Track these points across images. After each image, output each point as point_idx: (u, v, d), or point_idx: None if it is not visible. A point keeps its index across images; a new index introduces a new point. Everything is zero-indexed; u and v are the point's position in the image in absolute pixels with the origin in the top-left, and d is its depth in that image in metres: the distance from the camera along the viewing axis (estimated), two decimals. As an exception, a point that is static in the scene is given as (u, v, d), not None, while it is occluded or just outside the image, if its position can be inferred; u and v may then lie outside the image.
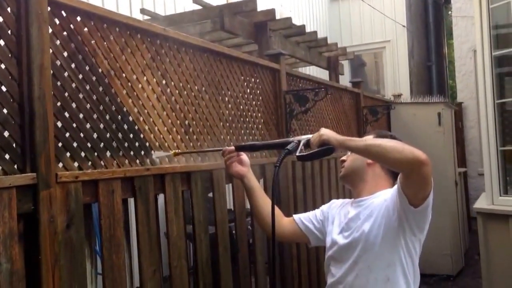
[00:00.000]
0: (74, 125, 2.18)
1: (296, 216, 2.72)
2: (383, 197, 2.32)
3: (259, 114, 3.80)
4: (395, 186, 2.23)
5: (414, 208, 2.15)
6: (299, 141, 2.30)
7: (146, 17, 5.45)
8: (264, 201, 2.65)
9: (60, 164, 2.10)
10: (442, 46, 12.50)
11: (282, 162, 2.24)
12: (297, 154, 2.25)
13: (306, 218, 2.67)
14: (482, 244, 5.35)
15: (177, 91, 2.87)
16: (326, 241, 2.54)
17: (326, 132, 2.20)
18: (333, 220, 2.55)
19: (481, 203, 5.50)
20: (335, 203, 2.67)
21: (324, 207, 2.69)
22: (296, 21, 7.69)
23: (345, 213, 2.48)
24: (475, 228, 6.00)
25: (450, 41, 13.67)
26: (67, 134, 2.14)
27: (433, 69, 11.98)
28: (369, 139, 2.21)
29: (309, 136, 2.30)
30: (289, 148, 2.27)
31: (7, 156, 1.88)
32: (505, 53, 5.22)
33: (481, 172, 7.26)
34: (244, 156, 2.64)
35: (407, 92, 10.25)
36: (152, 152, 2.60)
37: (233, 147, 2.59)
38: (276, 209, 2.58)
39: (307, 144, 2.28)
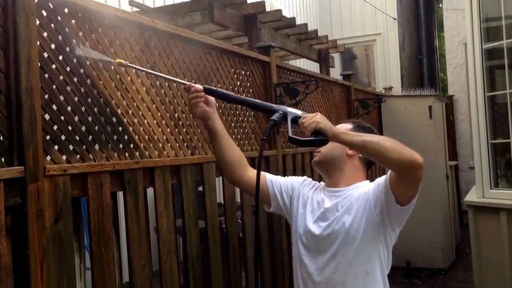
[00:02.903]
0: (62, 117, 2.16)
1: (267, 176, 2.55)
2: (362, 190, 2.27)
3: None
4: (378, 181, 2.21)
5: (399, 206, 2.13)
6: (285, 113, 2.15)
7: (135, 9, 5.41)
8: (229, 146, 2.43)
9: (48, 157, 2.07)
10: (433, 39, 12.50)
11: (269, 134, 2.11)
12: (290, 135, 2.09)
13: (276, 184, 2.51)
14: (473, 237, 5.37)
15: (166, 84, 2.85)
16: (296, 224, 2.43)
17: (323, 121, 2.06)
18: (304, 203, 2.44)
19: (472, 196, 5.53)
20: (307, 181, 2.55)
21: (295, 183, 2.54)
22: (286, 13, 7.68)
23: (319, 201, 2.39)
24: (467, 221, 6.02)
25: (441, 33, 13.71)
26: (55, 127, 2.12)
27: (424, 62, 11.99)
28: (366, 135, 2.12)
29: (297, 111, 2.16)
30: (275, 119, 2.13)
31: (-6, 149, 1.86)
32: (495, 45, 5.23)
33: (472, 165, 7.28)
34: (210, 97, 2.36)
35: (398, 85, 10.27)
36: (79, 48, 2.25)
37: (200, 87, 2.28)
38: (242, 156, 2.48)
39: (295, 120, 2.13)
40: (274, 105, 2.25)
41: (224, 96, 2.37)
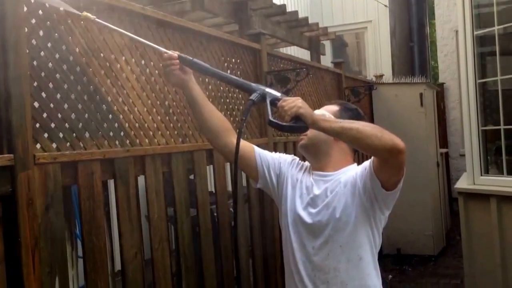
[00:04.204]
0: (52, 105, 2.14)
1: (256, 149, 2.47)
2: (351, 174, 2.26)
3: (240, 95, 3.77)
4: (364, 165, 2.20)
5: (386, 191, 2.13)
6: (264, 94, 2.10)
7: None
8: (210, 113, 2.37)
9: (38, 145, 2.06)
10: (424, 27, 12.46)
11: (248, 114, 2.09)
12: (270, 118, 2.04)
13: (265, 161, 2.45)
14: (463, 223, 5.39)
15: (156, 71, 2.84)
16: (286, 206, 2.40)
17: (304, 106, 2.04)
18: (293, 184, 2.40)
19: (463, 183, 5.54)
20: (296, 161, 2.51)
21: (282, 161, 2.48)
22: (277, 1, 7.64)
23: (308, 186, 2.35)
24: (457, 209, 6.06)
25: (432, 21, 13.69)
26: (45, 115, 2.10)
27: (415, 49, 11.94)
28: (346, 121, 2.10)
29: (276, 93, 2.12)
30: (254, 99, 2.08)
31: (-18, 138, 1.85)
32: (486, 32, 5.23)
33: (462, 152, 7.31)
34: None
35: (389, 72, 10.26)
36: None
37: (175, 54, 2.19)
38: (226, 123, 2.43)
39: (273, 102, 2.08)
40: (253, 84, 2.19)
41: (201, 68, 2.24)
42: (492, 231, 4.98)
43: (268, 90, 2.12)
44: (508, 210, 4.88)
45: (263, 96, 2.10)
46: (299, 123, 2.03)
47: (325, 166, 2.36)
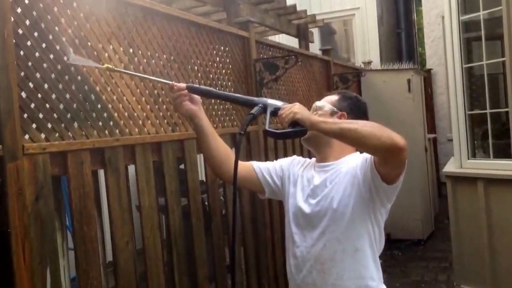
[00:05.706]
0: (39, 95, 2.12)
1: (254, 164, 2.58)
2: (351, 165, 2.28)
3: (229, 83, 3.77)
4: (365, 157, 2.21)
5: (386, 184, 2.15)
6: (265, 106, 2.18)
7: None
8: (216, 142, 2.47)
9: (27, 136, 2.05)
10: (411, 13, 12.53)
11: (247, 128, 2.16)
12: (267, 128, 2.14)
13: (265, 170, 2.55)
14: (451, 206, 5.45)
15: (144, 60, 2.82)
16: (288, 204, 2.46)
17: (300, 111, 2.08)
18: (295, 181, 2.46)
19: (450, 167, 5.60)
20: (296, 160, 2.58)
21: (283, 163, 2.57)
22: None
23: (309, 178, 2.40)
24: (445, 193, 6.10)
25: (419, 8, 13.71)
26: (33, 105, 2.08)
27: (402, 36, 12.02)
28: (345, 122, 2.14)
29: (278, 102, 2.19)
30: (254, 113, 2.16)
31: (-30, 129, 1.84)
32: (472, 17, 5.25)
33: (450, 137, 7.35)
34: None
35: (377, 59, 10.26)
36: (71, 52, 2.14)
37: (184, 85, 2.33)
38: (228, 150, 2.51)
39: (274, 112, 2.16)
40: (255, 98, 2.28)
41: (206, 92, 2.41)
42: (480, 213, 5.04)
43: (270, 101, 2.21)
44: (495, 192, 4.94)
45: (264, 109, 2.18)
46: (298, 128, 2.10)
47: (327, 157, 2.40)
